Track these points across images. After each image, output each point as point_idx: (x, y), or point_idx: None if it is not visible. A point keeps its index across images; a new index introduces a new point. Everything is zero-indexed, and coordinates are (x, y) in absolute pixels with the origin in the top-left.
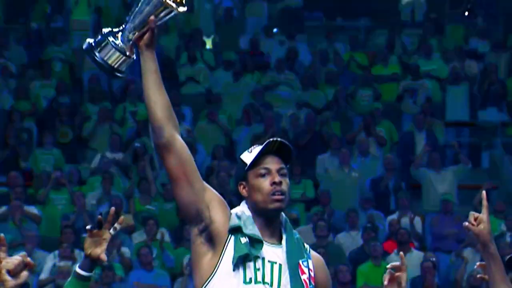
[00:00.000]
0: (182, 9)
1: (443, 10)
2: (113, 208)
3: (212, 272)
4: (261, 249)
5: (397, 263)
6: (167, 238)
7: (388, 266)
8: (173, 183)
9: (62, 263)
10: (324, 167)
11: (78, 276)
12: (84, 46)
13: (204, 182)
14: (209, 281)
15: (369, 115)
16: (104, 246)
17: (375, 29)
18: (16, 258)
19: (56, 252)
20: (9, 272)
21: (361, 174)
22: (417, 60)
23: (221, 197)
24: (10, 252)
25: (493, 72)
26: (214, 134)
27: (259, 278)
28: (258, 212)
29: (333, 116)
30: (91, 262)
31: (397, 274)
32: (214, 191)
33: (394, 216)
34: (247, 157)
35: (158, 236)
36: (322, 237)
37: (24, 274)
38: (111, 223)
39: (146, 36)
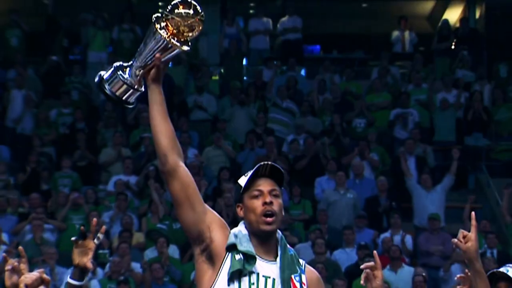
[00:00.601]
0: (185, 48)
1: (432, 44)
2: (95, 219)
3: (212, 285)
4: (254, 264)
5: (371, 263)
6: (176, 254)
7: (363, 266)
8: (177, 206)
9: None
10: (321, 188)
11: (70, 285)
12: (95, 80)
13: (206, 205)
14: None
15: (363, 140)
16: (90, 255)
17: (369, 61)
18: (34, 274)
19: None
20: (27, 286)
21: (356, 195)
22: (407, 89)
23: (221, 218)
24: (32, 267)
25: (478, 100)
26: (220, 157)
27: None
28: (253, 231)
29: (330, 141)
30: (80, 271)
31: (367, 271)
32: (215, 213)
33: (386, 234)
34: (243, 181)
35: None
36: (320, 254)
37: None
38: (94, 233)
39: (153, 71)
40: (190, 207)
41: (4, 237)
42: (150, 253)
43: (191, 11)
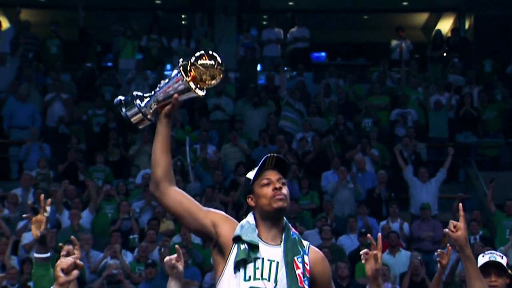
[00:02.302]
0: (201, 93)
1: (426, 51)
2: (42, 195)
3: (221, 274)
4: (258, 251)
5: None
6: (198, 240)
7: (362, 252)
8: (179, 219)
9: (111, 261)
10: (327, 180)
11: (38, 259)
12: (115, 101)
13: (205, 209)
14: (219, 281)
15: (365, 138)
16: (42, 226)
17: (370, 67)
18: (69, 259)
19: (107, 252)
20: (62, 270)
21: (358, 186)
22: (405, 91)
23: (224, 214)
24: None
25: (468, 102)
26: (236, 154)
27: (258, 275)
28: (265, 215)
29: (335, 139)
30: (41, 244)
31: (368, 252)
32: (216, 211)
33: (385, 222)
34: (252, 174)
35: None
36: (326, 239)
37: (75, 272)
38: (44, 207)
39: (168, 107)
40: (190, 217)
41: None
42: (176, 239)
43: (214, 62)
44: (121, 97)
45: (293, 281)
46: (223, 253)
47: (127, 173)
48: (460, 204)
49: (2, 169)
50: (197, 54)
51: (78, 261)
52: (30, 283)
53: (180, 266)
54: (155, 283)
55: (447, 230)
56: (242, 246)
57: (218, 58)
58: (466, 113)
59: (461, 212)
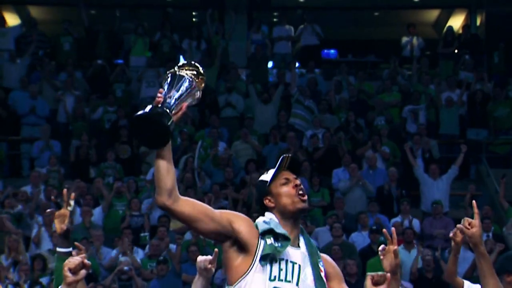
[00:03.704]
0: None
1: (437, 48)
2: (65, 190)
3: (247, 270)
4: (287, 246)
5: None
6: None
7: (380, 248)
8: (195, 223)
9: (122, 258)
10: (338, 177)
11: (60, 253)
12: (148, 111)
13: (217, 210)
14: (244, 277)
15: (376, 135)
16: (66, 221)
17: (380, 64)
18: (77, 259)
19: (118, 249)
20: (70, 270)
21: (369, 184)
22: (416, 88)
23: (236, 212)
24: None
25: (479, 99)
26: (247, 151)
27: (282, 277)
28: (287, 215)
29: (346, 136)
30: (64, 238)
31: (388, 247)
32: (228, 211)
33: (397, 219)
34: (266, 176)
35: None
36: (337, 237)
37: (82, 272)
38: (67, 201)
39: (178, 116)
40: (207, 218)
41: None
42: (188, 236)
43: (196, 73)
44: (144, 110)
45: (321, 282)
46: (246, 250)
47: (138, 170)
48: (474, 201)
49: (14, 166)
50: (180, 64)
51: (86, 261)
52: (42, 279)
53: (213, 268)
54: (166, 280)
55: (462, 226)
56: (269, 241)
57: (200, 69)
58: (477, 110)
59: (475, 210)
